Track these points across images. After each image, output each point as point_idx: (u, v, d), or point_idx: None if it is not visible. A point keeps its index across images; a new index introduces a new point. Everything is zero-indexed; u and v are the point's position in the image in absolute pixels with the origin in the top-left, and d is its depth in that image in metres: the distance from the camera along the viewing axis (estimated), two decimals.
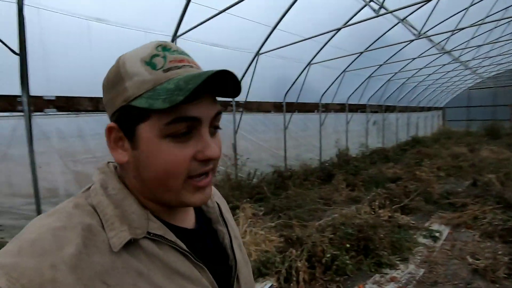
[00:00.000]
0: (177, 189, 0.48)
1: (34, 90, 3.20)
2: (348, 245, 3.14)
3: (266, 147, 6.47)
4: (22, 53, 2.95)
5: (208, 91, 0.48)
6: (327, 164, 7.39)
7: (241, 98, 5.65)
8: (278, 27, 4.53)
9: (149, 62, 0.46)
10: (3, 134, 3.36)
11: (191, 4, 3.43)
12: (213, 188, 0.72)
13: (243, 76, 5.29)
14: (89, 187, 0.51)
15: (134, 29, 3.63)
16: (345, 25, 4.47)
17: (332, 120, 8.40)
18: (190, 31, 3.84)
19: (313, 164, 7.22)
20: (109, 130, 0.48)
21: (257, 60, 5.13)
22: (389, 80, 9.33)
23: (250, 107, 6.05)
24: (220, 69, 0.44)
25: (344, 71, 7.14)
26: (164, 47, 0.48)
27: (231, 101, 5.62)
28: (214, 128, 0.51)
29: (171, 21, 3.70)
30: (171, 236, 0.50)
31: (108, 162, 0.55)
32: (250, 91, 5.50)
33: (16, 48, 2.87)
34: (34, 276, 0.37)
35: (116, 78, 0.47)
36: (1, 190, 3.40)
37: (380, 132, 10.99)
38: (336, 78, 7.24)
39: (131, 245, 0.45)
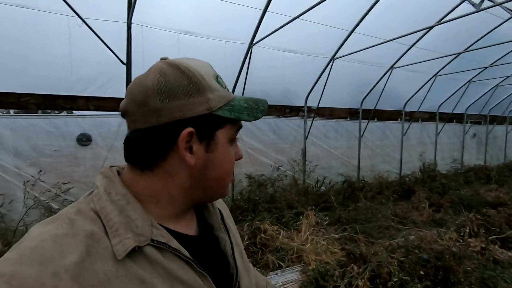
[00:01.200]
0: (228, 185, 0.60)
1: None
2: (421, 272, 2.75)
3: (337, 155, 6.21)
4: (128, 63, 3.57)
5: None
6: (407, 178, 6.63)
7: (313, 103, 5.57)
8: (356, 30, 4.33)
9: (218, 81, 0.56)
10: (111, 130, 4.15)
11: (266, 12, 3.58)
12: None
13: (317, 81, 5.22)
14: (91, 192, 0.51)
15: (215, 39, 3.99)
16: (439, 22, 3.96)
17: (417, 130, 7.49)
18: (265, 38, 4.00)
19: (390, 177, 6.57)
20: (188, 135, 0.50)
21: (332, 65, 4.99)
22: (497, 85, 7.79)
23: (323, 113, 5.91)
24: (265, 100, 0.61)
25: (435, 75, 6.30)
26: (213, 67, 0.58)
27: (302, 107, 5.60)
28: None
29: (247, 30, 3.93)
30: (174, 244, 0.50)
31: (111, 166, 0.56)
32: (323, 97, 5.38)
33: (124, 58, 3.50)
34: (35, 285, 0.36)
35: (193, 87, 0.50)
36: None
37: (482, 147, 9.26)
38: (425, 84, 6.45)
39: (134, 252, 0.45)
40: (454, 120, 8.44)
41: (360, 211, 4.66)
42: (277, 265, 3.11)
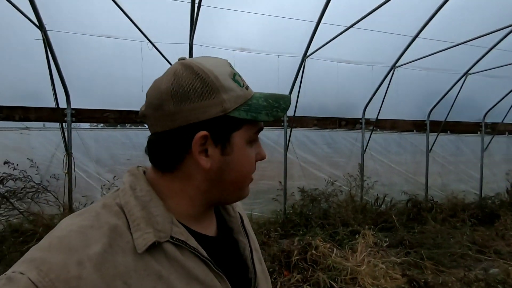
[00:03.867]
0: (247, 186, 0.58)
1: None
2: None
3: (400, 171, 5.67)
4: None
5: None
6: (489, 200, 5.67)
7: (372, 115, 5.25)
8: (420, 35, 3.99)
9: (235, 80, 0.53)
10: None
11: (319, 24, 3.57)
12: None
13: (375, 92, 4.92)
14: (119, 189, 0.54)
15: (268, 54, 4.11)
16: None
17: (502, 144, 6.43)
18: (318, 50, 3.97)
19: (467, 198, 5.71)
20: (203, 137, 0.49)
21: (392, 73, 4.66)
22: None
23: (383, 125, 5.51)
24: (289, 96, 0.58)
25: None
26: (231, 65, 0.56)
27: (360, 119, 5.31)
28: None
29: (301, 43, 3.95)
30: (192, 242, 0.50)
31: (138, 166, 0.57)
32: (383, 108, 5.03)
33: None
34: (61, 272, 0.39)
35: (206, 89, 0.49)
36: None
37: None
38: (511, 91, 5.54)
39: (154, 247, 0.46)
40: None
41: (428, 234, 4.13)
42: (329, 285, 2.93)
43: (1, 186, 3.52)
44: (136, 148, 4.40)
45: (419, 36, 3.99)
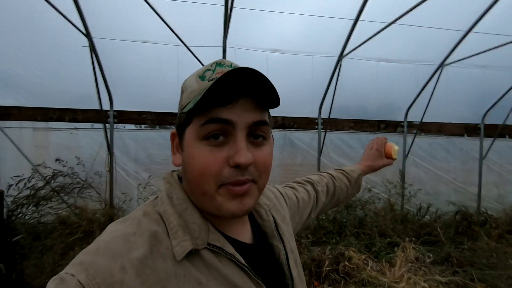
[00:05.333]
0: (211, 193, 0.48)
1: None
2: None
3: (447, 179, 5.16)
4: None
5: (246, 96, 0.48)
6: None
7: (415, 118, 4.85)
8: (473, 29, 3.58)
9: (201, 76, 0.53)
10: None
11: (357, 21, 3.37)
12: (270, 198, 0.71)
13: (420, 92, 4.54)
14: (157, 196, 0.56)
15: (302, 54, 3.98)
16: None
17: None
18: (356, 49, 3.75)
19: None
20: (171, 136, 0.56)
21: (440, 72, 4.26)
22: None
23: (428, 128, 5.06)
24: (240, 67, 0.44)
25: None
26: (218, 63, 0.54)
27: (401, 122, 4.94)
28: (256, 137, 0.51)
29: (336, 42, 3.77)
30: (229, 249, 0.51)
31: (173, 171, 0.59)
32: (428, 110, 4.62)
33: None
34: (106, 276, 0.42)
35: (180, 95, 0.56)
36: None
37: None
38: None
39: (192, 254, 0.48)
40: None
41: (480, 252, 3.68)
42: None
43: (52, 181, 3.86)
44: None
45: (472, 30, 3.58)
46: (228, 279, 0.49)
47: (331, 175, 1.05)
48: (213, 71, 0.52)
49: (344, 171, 1.10)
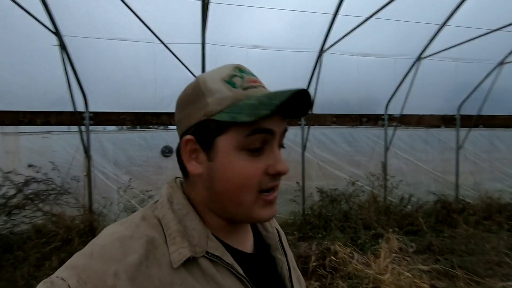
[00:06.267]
0: (249, 203, 0.49)
1: None
2: None
3: (426, 170, 5.32)
4: None
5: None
6: None
7: (395, 111, 4.95)
8: (448, 22, 3.67)
9: (229, 81, 0.49)
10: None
11: (336, 16, 3.37)
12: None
13: (399, 86, 4.63)
14: (157, 200, 0.54)
15: (284, 50, 3.96)
16: None
17: None
18: (336, 44, 3.76)
19: (503, 198, 5.26)
20: (186, 142, 0.49)
21: (417, 66, 4.35)
22: None
23: (408, 121, 5.18)
24: (300, 88, 0.46)
25: None
26: (239, 68, 0.51)
27: (382, 115, 5.03)
28: (282, 145, 0.54)
29: (317, 37, 3.77)
30: (228, 258, 0.49)
31: (176, 178, 0.57)
32: (407, 103, 4.72)
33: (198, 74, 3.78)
34: (99, 282, 0.40)
35: (195, 95, 0.49)
36: None
37: None
38: None
39: (189, 262, 0.46)
40: None
41: (459, 239, 3.82)
42: None
43: (25, 188, 3.66)
44: (152, 150, 4.42)
45: (447, 24, 3.67)
46: None
47: None
48: (242, 78, 0.50)
49: None
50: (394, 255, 3.30)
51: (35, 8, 2.86)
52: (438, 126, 5.38)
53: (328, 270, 3.01)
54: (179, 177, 0.58)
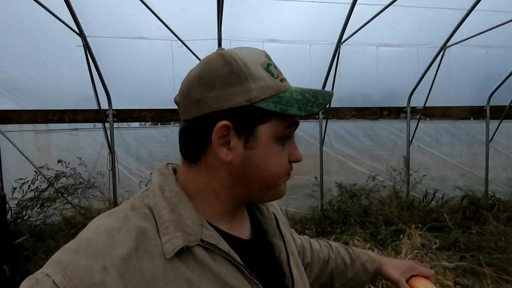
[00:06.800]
0: (278, 187, 0.53)
1: None
2: None
3: (453, 164, 5.08)
4: None
5: None
6: None
7: (418, 103, 4.75)
8: (476, 7, 3.45)
9: (268, 70, 0.49)
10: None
11: (355, 5, 3.27)
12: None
13: (422, 76, 4.43)
14: (148, 188, 0.52)
15: (299, 43, 3.91)
16: None
17: None
18: (354, 35, 3.65)
19: None
20: (222, 128, 0.47)
21: (442, 54, 4.14)
22: None
23: (432, 113, 4.96)
24: (331, 91, 0.53)
25: None
26: (269, 56, 0.53)
27: (404, 107, 4.84)
28: None
29: (334, 29, 3.68)
30: (224, 246, 0.47)
31: (168, 164, 0.56)
32: (432, 94, 4.51)
33: None
34: (85, 277, 0.38)
35: (233, 76, 0.46)
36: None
37: None
38: None
39: (183, 252, 0.44)
40: None
41: (488, 236, 3.62)
42: None
43: (56, 182, 3.89)
44: (172, 145, 4.54)
45: (475, 8, 3.45)
46: (222, 278, 0.46)
47: (329, 244, 0.90)
48: (275, 68, 0.52)
49: (351, 248, 0.91)
50: (416, 251, 3.20)
51: (61, 11, 3.01)
52: (467, 118, 5.11)
53: None
54: (171, 163, 0.57)
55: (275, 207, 0.70)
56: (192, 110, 0.49)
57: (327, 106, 4.40)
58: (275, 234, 0.61)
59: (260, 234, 0.60)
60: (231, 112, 0.47)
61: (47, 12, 2.95)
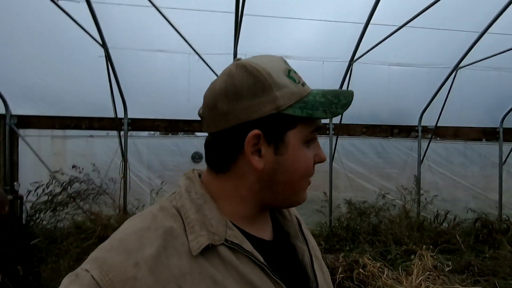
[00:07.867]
0: (302, 189, 0.54)
1: None
2: None
3: (465, 185, 5.00)
4: None
5: None
6: None
7: (430, 122, 4.74)
8: (489, 29, 3.50)
9: (289, 76, 0.51)
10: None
11: (368, 25, 3.36)
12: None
13: (434, 96, 4.45)
14: (175, 192, 0.55)
15: (313, 60, 4.00)
16: None
17: None
18: (367, 53, 3.73)
19: None
20: (253, 137, 0.48)
21: (455, 75, 4.17)
22: None
23: (443, 133, 4.93)
24: (351, 90, 0.53)
25: None
26: (286, 62, 0.53)
27: (415, 126, 4.84)
28: None
29: (347, 47, 3.77)
30: (248, 246, 0.49)
31: (193, 169, 0.58)
32: (444, 114, 4.51)
33: None
34: (120, 272, 0.41)
35: (258, 86, 0.48)
36: None
37: None
38: None
39: (208, 250, 0.46)
40: None
41: (503, 261, 3.51)
42: None
43: (69, 187, 3.97)
44: (183, 155, 4.61)
45: (488, 31, 3.51)
46: (245, 277, 0.47)
47: None
48: (295, 73, 0.53)
49: None
50: (428, 272, 3.12)
51: (86, 22, 3.18)
52: (479, 139, 5.06)
53: (356, 283, 2.91)
54: (197, 169, 0.59)
55: (295, 212, 0.71)
56: (220, 123, 0.50)
57: (338, 121, 4.45)
58: (297, 236, 0.61)
59: (282, 236, 0.60)
60: (261, 121, 0.48)
61: (74, 23, 3.12)
